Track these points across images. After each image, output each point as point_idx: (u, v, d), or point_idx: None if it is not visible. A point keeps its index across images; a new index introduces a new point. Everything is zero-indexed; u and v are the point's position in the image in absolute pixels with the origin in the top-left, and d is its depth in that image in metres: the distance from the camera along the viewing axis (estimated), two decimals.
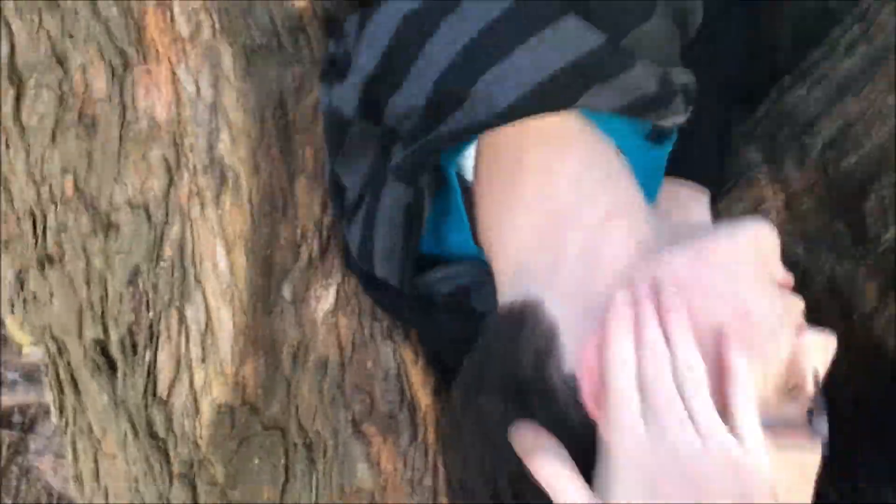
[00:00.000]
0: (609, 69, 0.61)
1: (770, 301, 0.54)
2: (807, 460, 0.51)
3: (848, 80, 0.73)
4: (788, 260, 0.78)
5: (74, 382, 0.92)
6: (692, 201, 0.79)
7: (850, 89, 0.72)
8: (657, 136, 0.72)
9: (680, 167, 0.78)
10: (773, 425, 0.50)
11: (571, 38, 0.61)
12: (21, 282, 0.91)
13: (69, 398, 0.97)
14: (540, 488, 0.49)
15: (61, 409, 1.01)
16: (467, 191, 0.66)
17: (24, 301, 0.92)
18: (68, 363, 0.91)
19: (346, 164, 0.71)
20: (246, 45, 0.75)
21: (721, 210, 0.79)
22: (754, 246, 0.56)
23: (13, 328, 1.61)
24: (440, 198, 0.67)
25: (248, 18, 0.76)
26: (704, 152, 0.80)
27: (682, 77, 0.67)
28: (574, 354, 0.53)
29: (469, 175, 0.65)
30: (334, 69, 0.71)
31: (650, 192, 0.72)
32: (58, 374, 0.96)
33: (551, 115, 0.61)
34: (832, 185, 0.72)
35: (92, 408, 0.92)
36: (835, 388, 0.55)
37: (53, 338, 0.90)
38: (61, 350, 0.90)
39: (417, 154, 0.62)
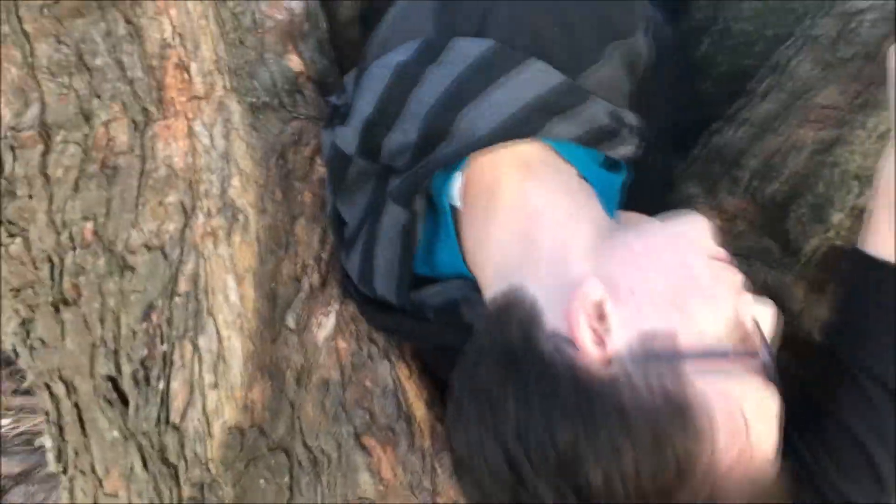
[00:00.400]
0: (567, 103, 0.73)
1: (707, 263, 0.66)
2: (765, 398, 0.62)
3: (766, 121, 0.87)
4: None
5: (81, 422, 0.98)
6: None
7: (768, 128, 0.86)
8: (611, 164, 0.85)
9: (632, 202, 0.90)
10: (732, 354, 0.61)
11: (536, 77, 0.74)
12: (27, 330, 0.97)
13: (71, 440, 1.01)
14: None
15: (59, 454, 1.05)
16: (456, 214, 0.77)
17: (31, 348, 0.98)
18: (75, 404, 0.96)
19: (347, 199, 0.81)
20: (252, 103, 0.86)
21: None
22: (690, 226, 0.69)
23: None
24: (432, 222, 0.77)
25: (253, 80, 0.86)
26: (653, 189, 0.93)
27: (631, 118, 0.80)
28: (554, 316, 0.63)
29: (457, 201, 0.76)
30: (337, 116, 0.82)
31: (608, 210, 0.84)
32: (59, 419, 1.01)
33: (521, 142, 0.73)
34: (760, 209, 0.85)
35: (97, 446, 0.97)
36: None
37: (62, 379, 0.95)
38: (69, 391, 0.95)
39: (411, 179, 0.73)
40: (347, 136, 0.78)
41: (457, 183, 0.75)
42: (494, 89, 0.73)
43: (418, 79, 0.75)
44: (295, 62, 0.90)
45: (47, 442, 1.13)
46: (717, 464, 0.58)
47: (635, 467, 0.57)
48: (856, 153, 0.78)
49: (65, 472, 1.05)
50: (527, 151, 0.74)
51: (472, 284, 0.77)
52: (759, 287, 0.87)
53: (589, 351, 0.60)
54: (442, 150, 0.73)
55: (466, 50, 0.75)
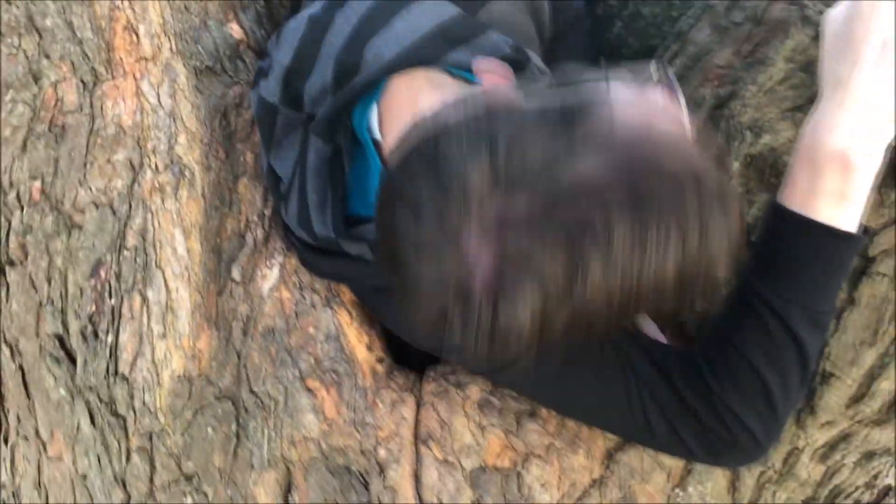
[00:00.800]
0: (464, 32, 0.81)
1: None
2: None
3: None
4: None
5: (25, 385, 0.99)
6: None
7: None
8: None
9: None
10: None
11: (432, 10, 0.83)
12: None
13: (14, 405, 1.03)
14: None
15: (1, 421, 1.06)
16: (379, 147, 0.83)
17: None
18: (20, 366, 0.98)
19: (278, 153, 0.86)
20: (196, 67, 0.90)
21: None
22: None
23: None
24: (363, 162, 0.83)
25: (197, 45, 0.91)
26: None
27: (538, 60, 0.88)
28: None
29: (377, 133, 0.82)
30: (261, 76, 0.88)
31: None
32: (1, 385, 1.03)
33: (428, 69, 0.80)
34: None
35: (42, 409, 0.99)
36: None
37: (5, 342, 0.97)
38: (13, 353, 0.97)
39: (329, 109, 0.80)
40: (271, 87, 0.84)
41: (374, 115, 0.82)
42: (396, 20, 0.82)
43: (328, 25, 0.83)
44: (236, 30, 0.96)
45: None
46: None
47: None
48: (748, 106, 0.87)
49: (6, 441, 1.06)
50: (437, 77, 0.81)
51: None
52: None
53: None
54: (355, 81, 0.80)
55: None
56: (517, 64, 0.85)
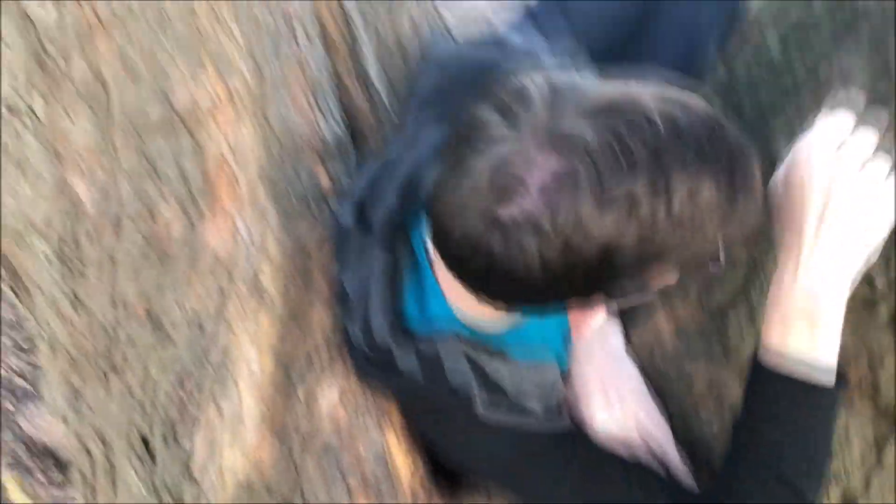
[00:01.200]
0: None
1: None
2: None
3: None
4: (681, 372, 1.04)
5: (112, 481, 1.11)
6: (610, 330, 1.06)
7: None
8: None
9: None
10: None
11: None
12: (76, 394, 1.13)
13: (102, 498, 1.15)
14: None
15: None
16: (432, 262, 0.94)
17: (78, 412, 1.13)
18: (110, 462, 1.10)
19: (348, 271, 0.98)
20: (286, 209, 1.05)
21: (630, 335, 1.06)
22: None
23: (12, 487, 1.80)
24: (418, 277, 0.94)
25: (289, 190, 1.06)
26: None
27: None
28: None
29: (430, 247, 0.93)
30: (342, 202, 1.03)
31: None
32: (94, 479, 1.15)
33: None
34: (706, 316, 1.00)
35: (124, 499, 1.11)
36: None
37: (101, 438, 1.10)
38: (106, 447, 1.10)
39: (390, 224, 0.92)
40: (346, 212, 0.98)
41: (427, 236, 0.93)
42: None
43: (399, 162, 0.97)
44: (325, 180, 1.10)
45: (79, 499, 1.26)
46: None
47: None
48: None
49: None
50: None
51: (460, 339, 0.93)
52: (704, 383, 1.00)
53: None
54: (411, 202, 0.92)
55: (432, 135, 0.99)
56: None
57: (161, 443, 1.03)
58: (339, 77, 1.36)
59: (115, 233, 1.00)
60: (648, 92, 0.71)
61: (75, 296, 1.05)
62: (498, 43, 1.40)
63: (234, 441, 0.99)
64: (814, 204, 0.76)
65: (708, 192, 0.68)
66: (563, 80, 0.72)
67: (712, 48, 1.46)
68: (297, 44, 1.06)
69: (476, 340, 0.95)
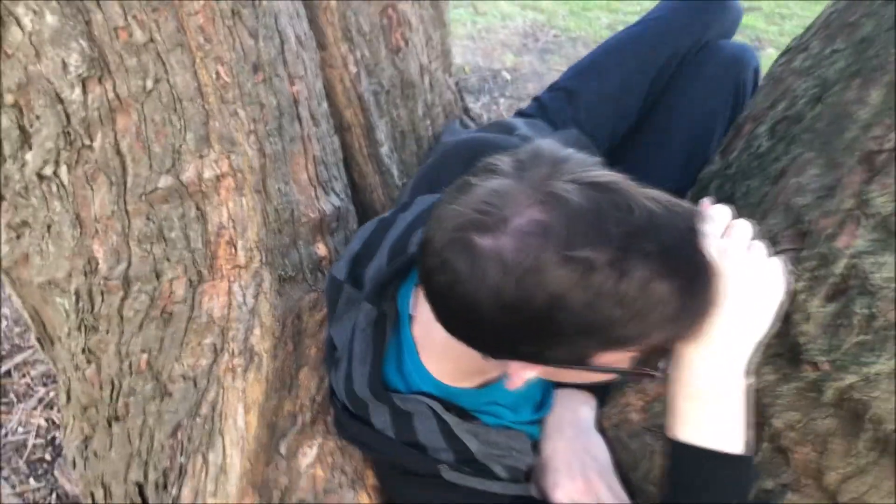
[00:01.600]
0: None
1: None
2: None
3: None
4: (644, 446, 1.06)
5: None
6: (583, 403, 1.09)
7: None
8: None
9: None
10: None
11: None
12: (86, 444, 1.21)
13: None
14: None
15: None
16: (412, 321, 0.99)
17: (86, 459, 1.21)
18: None
19: (338, 324, 1.05)
20: (280, 275, 1.13)
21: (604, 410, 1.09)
22: None
23: None
24: (399, 334, 1.00)
25: (284, 258, 1.14)
26: None
27: None
28: None
29: (412, 309, 0.99)
30: (337, 259, 1.11)
31: None
32: None
33: None
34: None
35: None
36: None
37: (103, 484, 1.18)
38: (106, 494, 1.17)
39: (379, 280, 0.98)
40: (340, 267, 1.05)
41: (413, 294, 0.98)
42: None
43: (392, 223, 1.05)
44: (322, 249, 1.18)
45: None
46: None
47: None
48: None
49: None
50: None
51: (432, 398, 0.98)
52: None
53: None
54: (399, 260, 0.99)
55: (425, 201, 1.07)
56: None
57: (153, 490, 1.10)
58: (352, 155, 1.46)
59: (124, 291, 1.09)
60: (641, 187, 0.77)
61: (88, 348, 1.14)
62: (506, 128, 1.48)
63: (216, 492, 1.05)
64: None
65: (660, 287, 0.72)
66: (574, 155, 0.79)
67: (717, 140, 1.51)
68: (301, 125, 1.16)
69: (448, 402, 1.00)
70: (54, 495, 2.05)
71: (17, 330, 2.61)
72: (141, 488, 1.12)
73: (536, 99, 1.63)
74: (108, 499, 1.17)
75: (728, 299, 0.78)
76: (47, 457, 2.18)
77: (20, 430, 2.25)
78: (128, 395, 1.12)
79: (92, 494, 1.22)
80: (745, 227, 0.80)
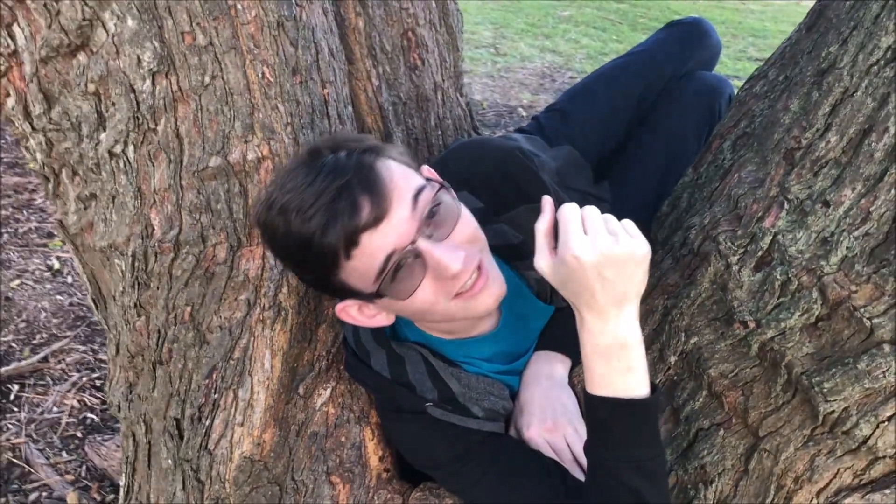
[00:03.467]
0: (483, 219, 1.15)
1: None
2: None
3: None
4: None
5: (149, 457, 1.37)
6: (559, 362, 1.28)
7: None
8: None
9: (554, 342, 1.29)
10: None
11: (464, 198, 1.17)
12: (130, 389, 1.41)
13: (139, 474, 1.40)
14: None
15: (127, 492, 1.43)
16: None
17: (130, 401, 1.41)
18: (149, 441, 1.37)
19: None
20: None
21: (574, 370, 1.28)
22: None
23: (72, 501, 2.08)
24: None
25: None
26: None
27: None
28: None
29: None
30: None
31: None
32: (135, 460, 1.41)
33: None
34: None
35: (155, 476, 1.36)
36: None
37: (144, 421, 1.37)
38: (147, 429, 1.36)
39: None
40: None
41: None
42: None
43: None
44: None
45: (121, 481, 1.51)
46: None
47: None
48: (684, 315, 1.15)
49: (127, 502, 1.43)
50: None
51: (422, 347, 1.18)
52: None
53: None
54: None
55: None
56: (523, 254, 1.20)
57: (188, 423, 1.29)
58: None
59: (174, 253, 1.29)
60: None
61: (139, 303, 1.34)
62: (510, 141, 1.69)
63: (244, 423, 1.24)
64: (594, 280, 0.95)
65: None
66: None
67: (691, 157, 1.72)
68: (329, 122, 1.37)
69: (434, 350, 1.20)
70: (84, 468, 2.24)
71: (54, 321, 2.83)
72: (178, 422, 1.31)
73: (535, 118, 1.85)
74: (149, 434, 1.36)
75: (599, 274, 0.95)
76: (78, 434, 2.38)
77: (55, 409, 2.45)
78: (171, 343, 1.31)
79: (133, 434, 1.42)
80: (593, 212, 0.98)
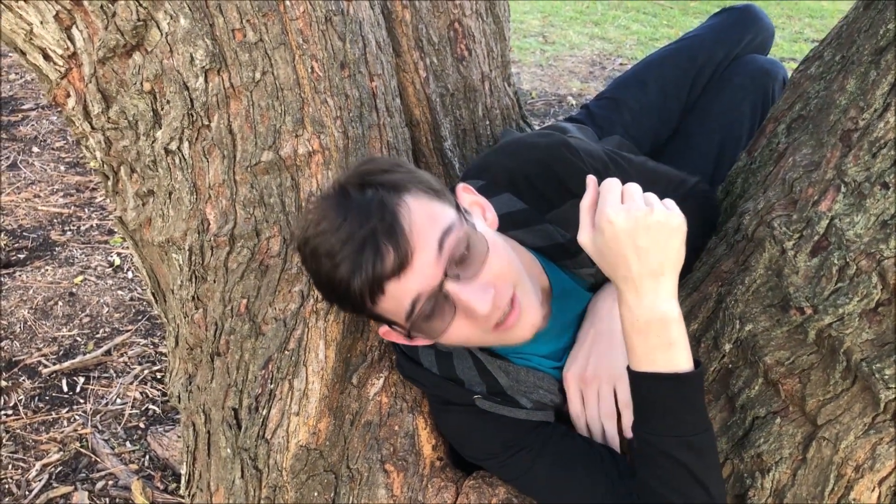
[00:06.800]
0: (527, 221, 1.16)
1: None
2: None
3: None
4: None
5: (209, 446, 1.40)
6: None
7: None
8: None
9: None
10: None
11: (506, 201, 1.18)
12: (190, 381, 1.44)
13: (200, 463, 1.44)
14: None
15: (189, 480, 1.47)
16: None
17: (189, 392, 1.44)
18: (208, 431, 1.40)
19: None
20: None
21: None
22: None
23: (136, 490, 2.13)
24: None
25: None
26: None
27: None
28: None
29: None
30: None
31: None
32: (195, 449, 1.45)
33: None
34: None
35: (215, 465, 1.39)
36: None
37: (203, 412, 1.40)
38: (206, 419, 1.40)
39: None
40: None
41: None
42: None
43: None
44: None
45: (182, 470, 1.55)
46: None
47: None
48: (739, 302, 1.14)
49: (189, 492, 1.46)
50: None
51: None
52: None
53: None
54: None
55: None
56: (571, 253, 1.20)
57: (246, 413, 1.32)
58: (419, 149, 1.68)
59: (230, 247, 1.32)
60: None
61: (197, 296, 1.37)
62: (560, 131, 1.69)
63: (299, 412, 1.26)
64: (628, 248, 0.96)
65: None
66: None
67: (745, 141, 1.69)
68: (378, 115, 1.38)
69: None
70: (147, 457, 2.31)
71: (116, 316, 2.91)
72: (236, 412, 1.34)
73: (585, 107, 1.84)
74: (208, 424, 1.39)
75: (633, 242, 0.95)
76: (141, 425, 2.45)
77: (118, 401, 2.52)
78: (228, 335, 1.34)
79: (193, 424, 1.45)
80: (633, 186, 0.99)
